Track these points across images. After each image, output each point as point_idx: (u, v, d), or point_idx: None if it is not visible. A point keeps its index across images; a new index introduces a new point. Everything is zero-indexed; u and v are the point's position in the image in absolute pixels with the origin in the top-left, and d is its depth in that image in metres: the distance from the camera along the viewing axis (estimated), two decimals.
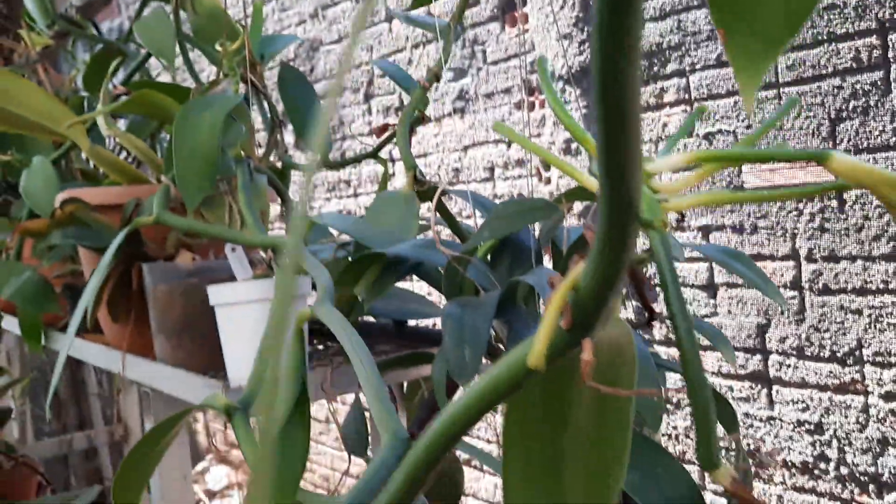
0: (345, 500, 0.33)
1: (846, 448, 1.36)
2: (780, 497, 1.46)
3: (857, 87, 1.29)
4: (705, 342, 1.51)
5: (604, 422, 0.31)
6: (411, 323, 0.93)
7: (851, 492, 1.36)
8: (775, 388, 1.45)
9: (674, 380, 1.59)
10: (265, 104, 0.94)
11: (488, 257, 0.71)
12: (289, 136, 2.37)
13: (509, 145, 1.83)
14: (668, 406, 1.60)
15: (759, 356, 1.46)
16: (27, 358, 1.73)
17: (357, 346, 0.45)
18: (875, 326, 1.31)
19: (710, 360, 1.53)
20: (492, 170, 1.88)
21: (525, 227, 0.66)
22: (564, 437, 0.31)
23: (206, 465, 2.72)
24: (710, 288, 1.51)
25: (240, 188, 0.71)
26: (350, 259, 0.67)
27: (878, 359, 1.31)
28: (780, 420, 1.44)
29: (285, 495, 0.49)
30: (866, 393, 1.33)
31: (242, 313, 0.74)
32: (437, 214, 0.72)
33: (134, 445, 0.54)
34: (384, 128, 0.93)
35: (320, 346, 0.90)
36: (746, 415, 1.48)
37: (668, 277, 0.25)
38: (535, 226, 0.69)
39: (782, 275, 1.41)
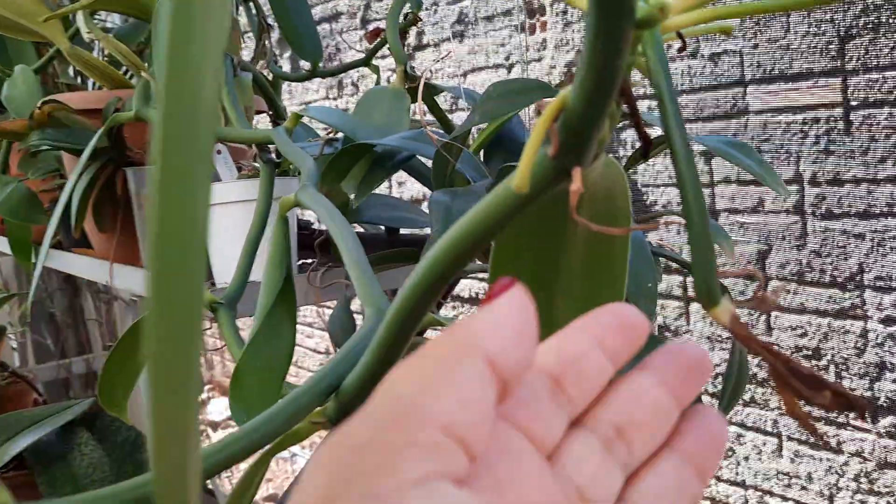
0: (325, 368, 0.32)
1: (843, 373, 1.35)
2: (775, 421, 1.46)
3: (869, 2, 1.24)
4: None
5: (596, 270, 0.29)
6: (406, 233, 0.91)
7: (847, 416, 1.36)
8: (774, 313, 1.44)
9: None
10: (252, 7, 0.91)
11: (481, 155, 0.69)
12: (286, 66, 2.32)
13: (509, 70, 1.79)
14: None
15: (758, 282, 1.45)
16: (25, 283, 1.72)
17: (341, 225, 0.43)
18: (877, 251, 1.29)
19: None
20: None
21: (520, 122, 0.63)
22: (556, 287, 0.29)
23: (207, 396, 2.74)
24: (711, 214, 1.49)
25: (222, 83, 0.68)
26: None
27: (879, 283, 1.30)
28: (778, 346, 1.44)
29: (271, 388, 0.48)
30: (865, 318, 1.32)
31: (226, 213, 0.72)
32: (428, 111, 0.70)
33: (116, 343, 0.52)
34: (376, 33, 0.90)
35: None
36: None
37: (664, 87, 0.22)
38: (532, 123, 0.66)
39: (785, 200, 1.39)
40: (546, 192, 0.24)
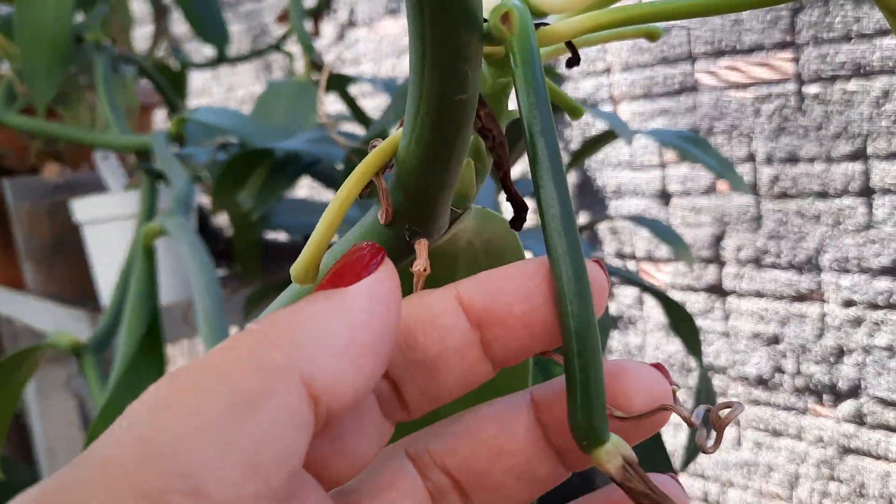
0: None
1: (802, 359, 1.31)
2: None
3: None
4: (659, 254, 1.44)
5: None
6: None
7: (806, 402, 1.32)
8: (731, 299, 1.39)
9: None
10: None
11: None
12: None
13: None
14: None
15: (714, 267, 1.39)
16: None
17: (201, 270, 0.35)
18: (834, 232, 1.24)
19: (664, 274, 1.46)
20: None
21: None
22: None
23: None
24: (663, 197, 1.43)
25: (98, 80, 0.58)
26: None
27: (836, 265, 1.25)
28: (735, 333, 1.39)
29: None
30: (823, 301, 1.27)
31: (113, 231, 0.62)
32: (344, 105, 0.61)
33: None
34: (286, 15, 0.80)
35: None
36: (701, 329, 1.42)
37: (536, 125, 0.15)
38: None
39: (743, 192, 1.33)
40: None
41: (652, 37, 0.19)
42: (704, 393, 0.43)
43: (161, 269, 0.50)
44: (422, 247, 0.17)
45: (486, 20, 0.15)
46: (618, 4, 0.17)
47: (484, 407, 0.16)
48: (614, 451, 0.15)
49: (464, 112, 0.15)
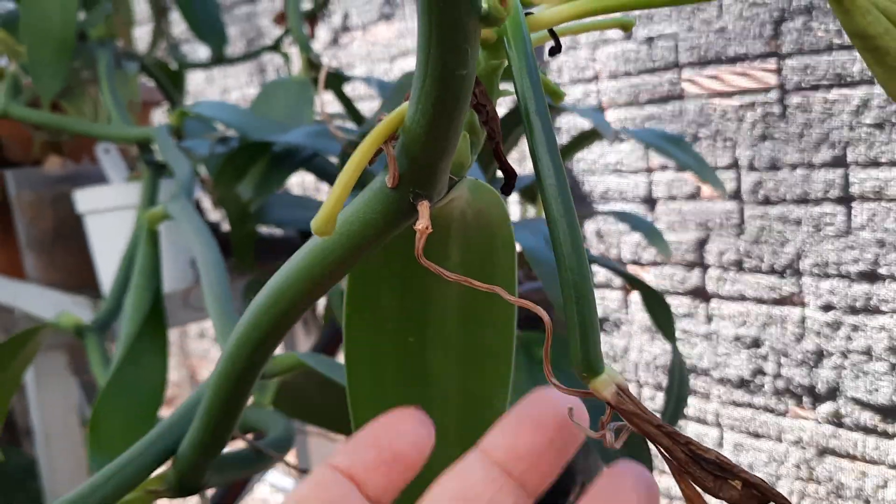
0: (156, 430, 0.25)
1: (782, 361, 1.34)
2: (716, 412, 1.44)
3: None
4: (643, 258, 1.47)
5: (477, 328, 0.24)
6: None
7: (786, 404, 1.35)
8: (713, 302, 1.41)
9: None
10: None
11: None
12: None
13: None
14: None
15: (697, 271, 1.42)
16: None
17: (207, 251, 0.37)
18: (814, 237, 1.27)
19: (648, 276, 1.48)
20: None
21: None
22: (427, 347, 0.24)
23: None
24: (649, 202, 1.46)
25: (101, 74, 0.60)
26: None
27: (816, 270, 1.28)
28: (718, 336, 1.42)
29: (138, 432, 0.41)
30: (803, 305, 1.30)
31: (115, 221, 0.64)
32: (338, 104, 0.63)
33: None
34: (284, 16, 0.82)
35: None
36: (684, 331, 1.45)
37: (531, 102, 0.17)
38: None
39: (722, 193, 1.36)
40: (388, 234, 0.19)
41: (625, 28, 0.21)
42: (678, 375, 0.45)
43: (161, 259, 0.52)
44: (424, 208, 0.18)
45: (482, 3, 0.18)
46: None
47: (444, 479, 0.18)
48: (609, 381, 0.17)
49: (464, 86, 0.17)
